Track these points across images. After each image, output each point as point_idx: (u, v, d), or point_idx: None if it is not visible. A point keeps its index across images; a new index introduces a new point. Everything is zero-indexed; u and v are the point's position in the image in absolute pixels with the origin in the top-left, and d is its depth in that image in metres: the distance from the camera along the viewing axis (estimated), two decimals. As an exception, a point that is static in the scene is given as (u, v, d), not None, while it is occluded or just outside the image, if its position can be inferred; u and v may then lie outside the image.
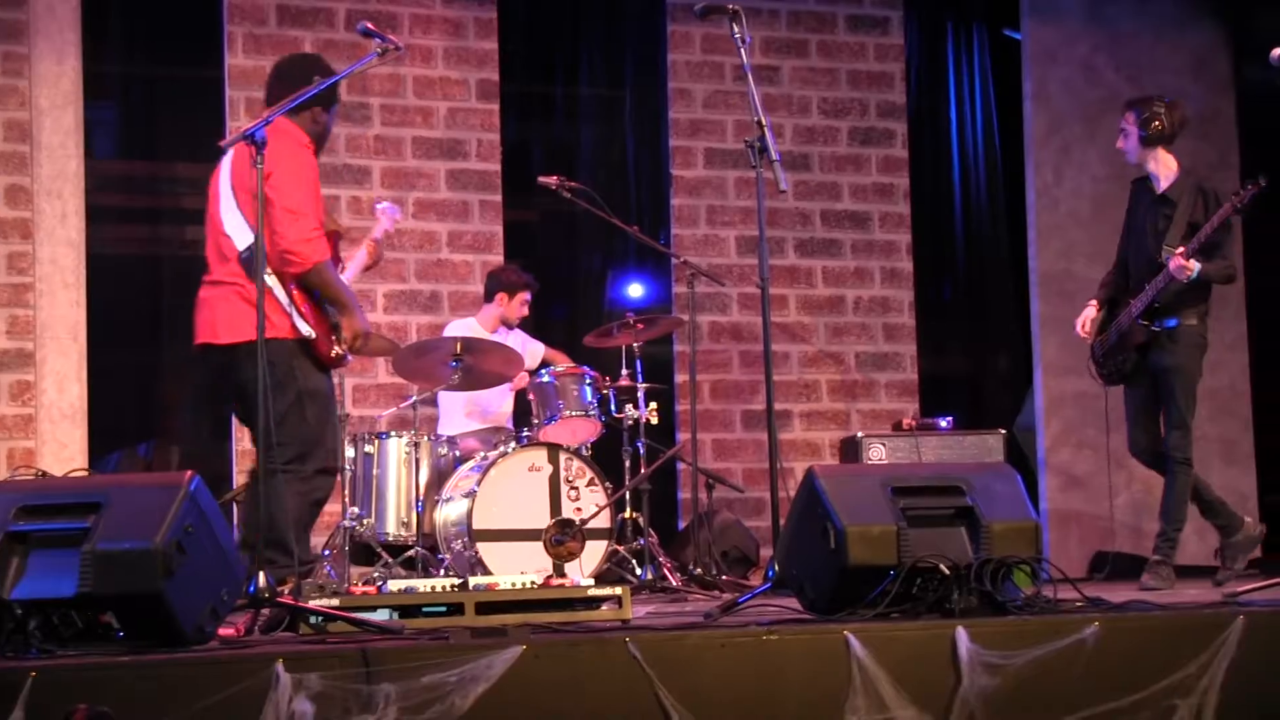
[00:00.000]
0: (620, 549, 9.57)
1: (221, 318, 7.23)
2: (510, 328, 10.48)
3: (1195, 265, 8.42)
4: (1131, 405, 9.01)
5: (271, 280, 7.15)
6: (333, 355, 7.35)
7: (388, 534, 9.49)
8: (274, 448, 7.19)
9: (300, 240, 7.14)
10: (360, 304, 7.60)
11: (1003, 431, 10.47)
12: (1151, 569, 8.62)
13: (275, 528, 6.92)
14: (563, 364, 10.06)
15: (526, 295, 10.45)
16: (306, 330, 7.18)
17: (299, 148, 7.35)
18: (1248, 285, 11.20)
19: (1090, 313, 9.07)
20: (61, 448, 10.07)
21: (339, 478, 9.33)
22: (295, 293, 7.21)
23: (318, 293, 7.29)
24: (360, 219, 10.82)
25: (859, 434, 10.39)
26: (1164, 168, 8.81)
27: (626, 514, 9.67)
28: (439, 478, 9.63)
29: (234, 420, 10.41)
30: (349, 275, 8.32)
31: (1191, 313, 8.67)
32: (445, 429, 10.23)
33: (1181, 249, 8.45)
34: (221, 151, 7.50)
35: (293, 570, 6.91)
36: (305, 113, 7.45)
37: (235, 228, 7.28)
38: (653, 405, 9.69)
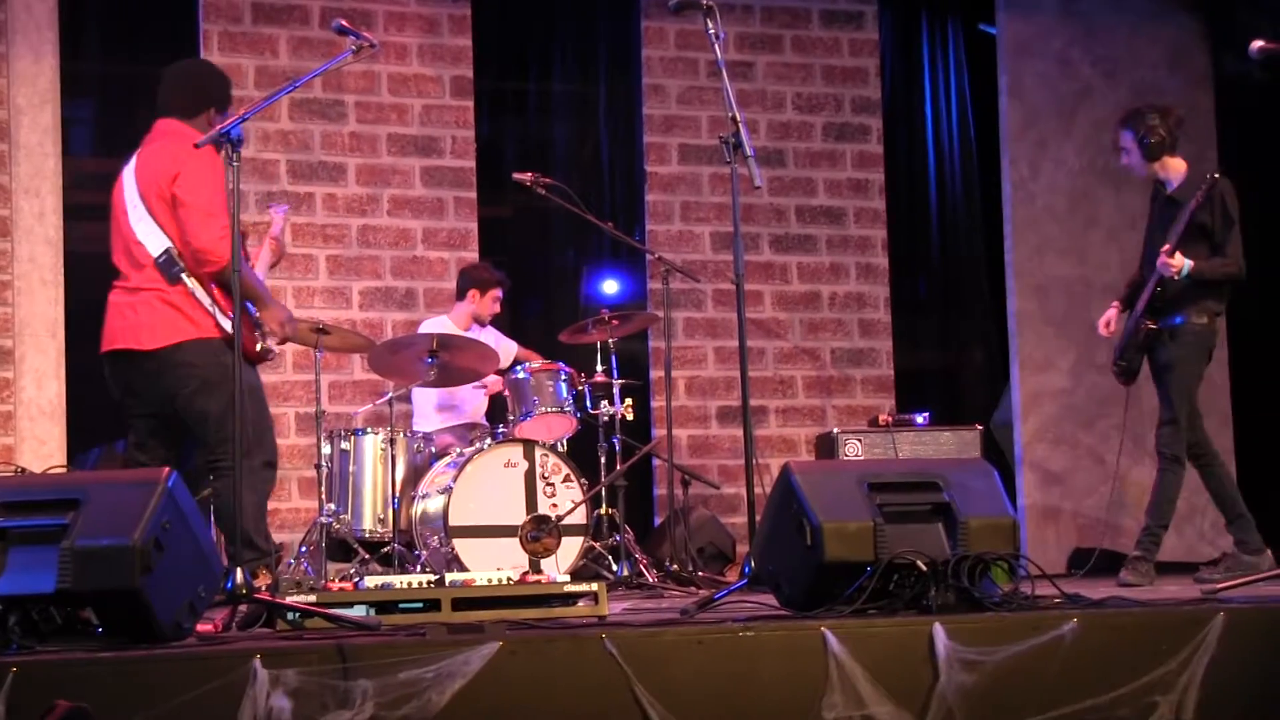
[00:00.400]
0: (596, 545, 9.58)
1: (145, 323, 7.28)
2: (483, 324, 10.49)
3: (1183, 262, 8.42)
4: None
5: (191, 282, 7.21)
6: (258, 350, 7.42)
7: (364, 530, 9.50)
8: (219, 446, 7.23)
9: (214, 239, 7.21)
10: (275, 298, 7.69)
11: (979, 427, 10.47)
12: (1131, 565, 8.61)
13: (236, 525, 6.95)
14: (536, 361, 10.06)
15: (498, 292, 10.47)
16: (230, 328, 7.20)
17: (198, 155, 7.36)
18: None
19: (1111, 313, 9.06)
20: (40, 444, 10.07)
21: (316, 474, 9.35)
22: (216, 292, 7.26)
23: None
24: (335, 215, 10.85)
25: (835, 430, 10.39)
26: (1173, 172, 8.81)
27: (602, 510, 9.69)
28: (415, 474, 9.63)
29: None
30: (259, 273, 8.30)
31: (1197, 311, 8.66)
32: (420, 425, 10.23)
33: (1167, 246, 8.47)
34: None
35: (263, 563, 6.93)
36: (201, 116, 7.52)
37: (147, 234, 7.32)
38: (628, 401, 9.70)
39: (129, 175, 7.50)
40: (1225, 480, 8.86)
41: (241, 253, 7.35)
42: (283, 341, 7.61)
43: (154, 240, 7.28)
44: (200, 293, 7.25)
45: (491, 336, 10.48)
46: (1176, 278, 8.46)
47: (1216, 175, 8.57)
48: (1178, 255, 8.46)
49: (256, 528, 7.25)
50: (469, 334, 10.16)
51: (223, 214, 7.23)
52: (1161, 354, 8.72)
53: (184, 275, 7.21)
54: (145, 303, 7.30)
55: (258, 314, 7.44)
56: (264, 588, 6.18)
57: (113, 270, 7.61)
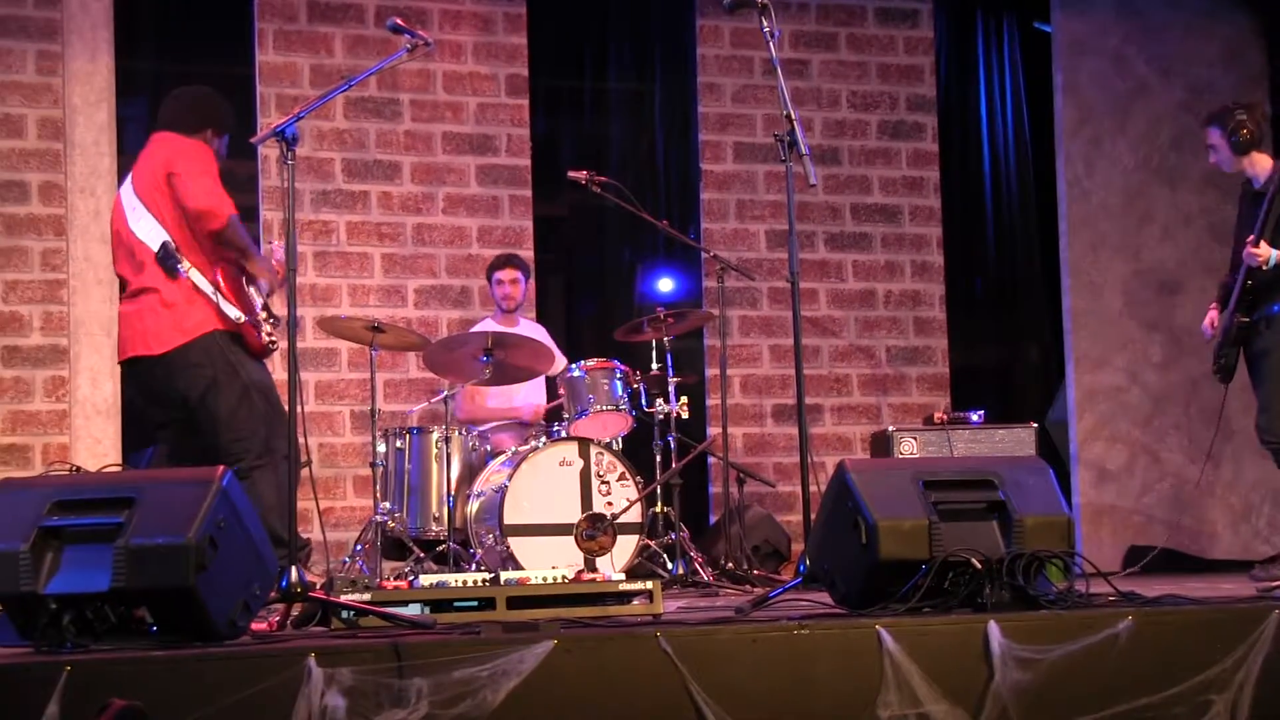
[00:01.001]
0: (651, 544, 9.57)
1: (150, 328, 7.28)
2: (508, 312, 10.44)
3: (1269, 251, 8.36)
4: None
5: (193, 274, 7.22)
6: (264, 343, 7.40)
7: (419, 528, 9.51)
8: (232, 446, 7.23)
9: (209, 196, 7.24)
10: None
11: (1034, 425, 10.43)
12: (1265, 563, 8.57)
13: (264, 523, 6.98)
14: (591, 360, 10.03)
15: (499, 275, 10.44)
16: (235, 314, 7.24)
17: (193, 144, 7.49)
18: None
19: (1212, 314, 8.91)
20: (95, 443, 10.11)
21: (371, 472, 9.37)
22: (220, 280, 7.26)
23: (244, 278, 7.39)
24: (391, 214, 10.87)
25: (890, 428, 10.37)
26: (1260, 168, 8.70)
27: (658, 508, 9.68)
28: (470, 472, 9.64)
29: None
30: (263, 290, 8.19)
31: None
32: (476, 424, 10.24)
33: (1251, 236, 8.43)
34: (253, 148, 7.54)
35: (287, 559, 6.94)
36: (198, 134, 7.56)
37: (146, 231, 7.34)
38: (683, 400, 9.68)
39: (126, 186, 7.55)
40: None
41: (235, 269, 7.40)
42: (281, 284, 7.53)
43: (153, 235, 7.29)
44: (203, 282, 7.25)
45: (542, 336, 10.47)
46: (1265, 267, 8.39)
47: None
48: (1263, 245, 8.40)
49: (283, 524, 7.24)
50: (522, 332, 10.14)
51: (216, 180, 7.31)
52: (1257, 344, 8.62)
53: (182, 267, 7.22)
54: (149, 308, 7.29)
55: (250, 270, 7.44)
56: (319, 585, 6.19)
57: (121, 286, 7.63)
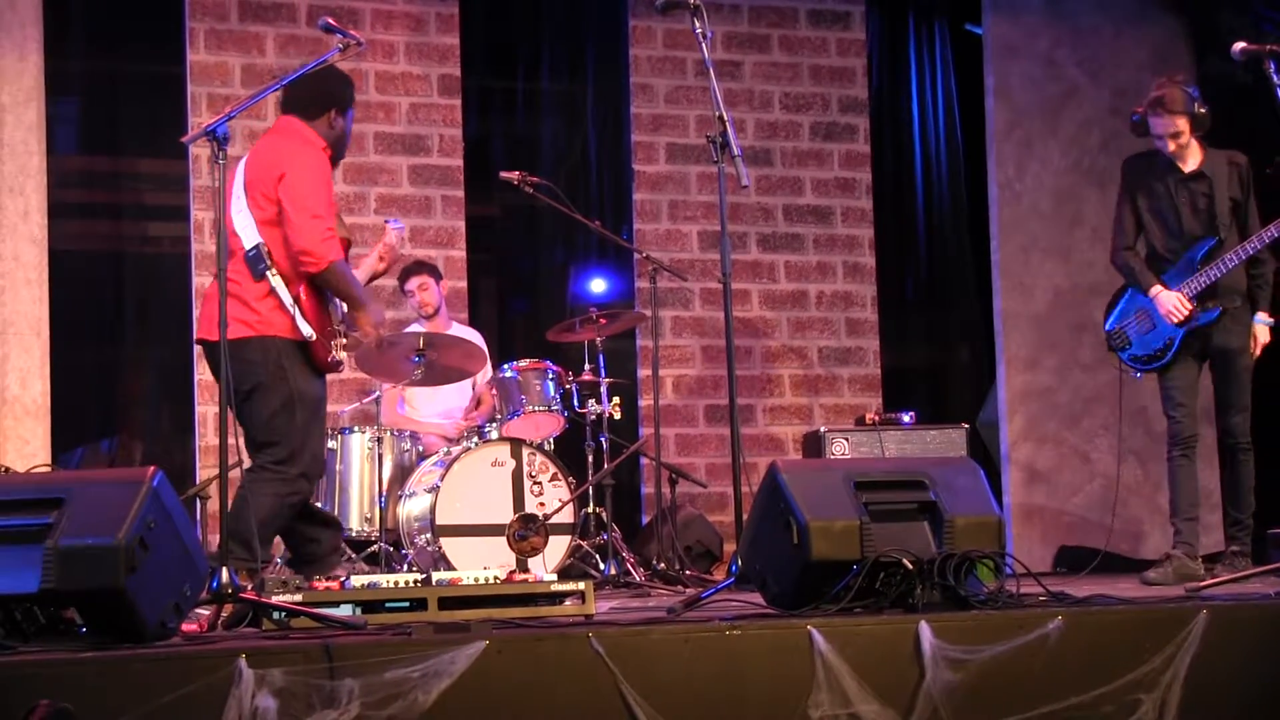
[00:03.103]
0: (584, 544, 9.58)
1: (215, 315, 7.19)
2: (428, 318, 10.42)
3: (1184, 312, 8.36)
4: (1181, 388, 8.61)
5: (276, 280, 7.16)
6: (330, 360, 7.37)
7: (351, 529, 9.49)
8: (262, 448, 7.21)
9: (317, 241, 7.17)
10: (376, 301, 7.64)
11: (965, 426, 10.47)
12: (1229, 560, 8.31)
13: (243, 522, 6.94)
14: (523, 360, 10.01)
15: (408, 286, 10.43)
16: (307, 331, 7.19)
17: (312, 150, 7.40)
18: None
19: (1177, 297, 8.47)
20: (24, 444, 10.04)
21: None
22: (302, 294, 7.21)
23: (328, 293, 7.33)
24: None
25: (822, 429, 10.39)
26: (1196, 151, 8.58)
27: (590, 509, 9.70)
28: (402, 473, 9.64)
29: (195, 415, 10.42)
30: (359, 277, 8.23)
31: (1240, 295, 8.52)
32: (408, 425, 10.22)
33: (1186, 291, 8.40)
34: (184, 148, 7.49)
35: (250, 566, 6.90)
36: (321, 117, 7.48)
37: (243, 227, 7.28)
38: (615, 400, 9.70)
39: (241, 166, 7.48)
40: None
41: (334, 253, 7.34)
42: (377, 345, 7.54)
43: (248, 234, 7.24)
44: (284, 292, 7.18)
45: (477, 339, 10.47)
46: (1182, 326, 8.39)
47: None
48: (1184, 302, 8.37)
49: (262, 534, 7.20)
50: (456, 333, 10.13)
51: (329, 216, 7.26)
52: (1230, 340, 8.50)
53: (269, 273, 7.17)
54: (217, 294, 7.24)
55: (350, 314, 7.40)
56: (248, 587, 6.17)
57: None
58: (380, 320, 7.50)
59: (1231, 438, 8.54)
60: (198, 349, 8.03)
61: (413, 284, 10.43)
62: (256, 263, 7.20)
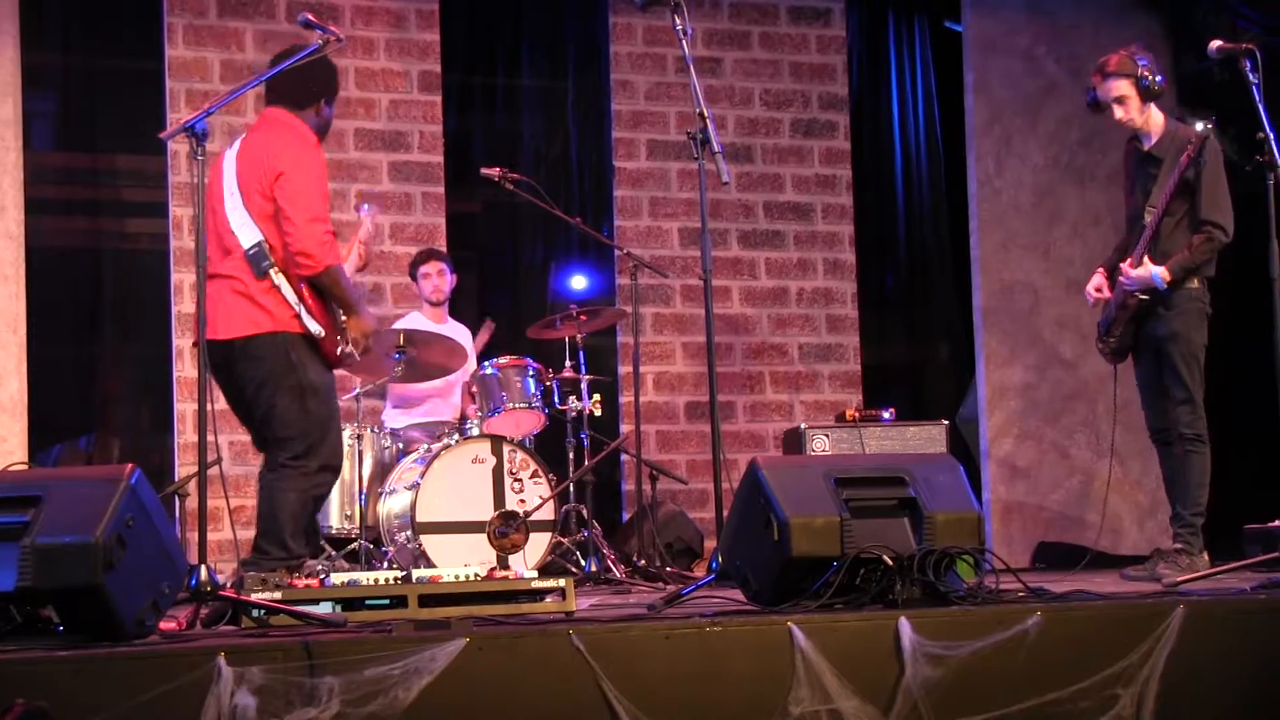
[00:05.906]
0: (564, 541, 9.58)
1: (220, 312, 7.15)
2: (437, 305, 10.40)
3: (1148, 272, 8.13)
4: (1139, 384, 8.56)
5: (279, 278, 7.12)
6: (339, 354, 7.32)
7: (331, 527, 9.47)
8: (280, 444, 7.18)
9: (316, 244, 7.11)
10: (366, 304, 7.61)
11: (945, 422, 10.47)
12: (1170, 558, 8.07)
13: (274, 522, 6.94)
14: (504, 357, 10.00)
15: (426, 268, 10.41)
16: (315, 329, 7.15)
17: (307, 145, 7.35)
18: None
19: (1097, 279, 8.54)
20: (1, 441, 10.01)
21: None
22: (305, 291, 7.18)
23: (326, 293, 7.28)
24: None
25: (802, 425, 10.39)
26: (1153, 124, 8.40)
27: (570, 506, 9.69)
28: (382, 470, 9.63)
29: (174, 412, 10.39)
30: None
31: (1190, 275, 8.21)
32: (389, 421, 10.20)
33: (1130, 259, 8.28)
34: (162, 143, 7.45)
35: (284, 565, 6.87)
36: (311, 107, 7.43)
37: (241, 224, 7.18)
38: (596, 397, 9.70)
39: (230, 159, 7.37)
40: (1209, 472, 8.28)
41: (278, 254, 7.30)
42: (361, 354, 7.51)
43: (247, 232, 7.17)
44: (287, 289, 7.13)
45: (465, 337, 10.46)
46: (1139, 295, 8.21)
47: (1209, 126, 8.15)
48: (1145, 263, 8.16)
49: (294, 530, 7.17)
50: (440, 329, 10.10)
51: (324, 217, 7.20)
52: (1158, 327, 8.28)
53: (272, 270, 7.13)
54: (227, 293, 7.16)
55: (343, 320, 7.37)
56: (230, 584, 6.16)
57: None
58: (371, 329, 7.46)
59: (1175, 429, 8.29)
60: (193, 349, 7.94)
61: (429, 268, 10.40)
62: (259, 260, 7.15)
